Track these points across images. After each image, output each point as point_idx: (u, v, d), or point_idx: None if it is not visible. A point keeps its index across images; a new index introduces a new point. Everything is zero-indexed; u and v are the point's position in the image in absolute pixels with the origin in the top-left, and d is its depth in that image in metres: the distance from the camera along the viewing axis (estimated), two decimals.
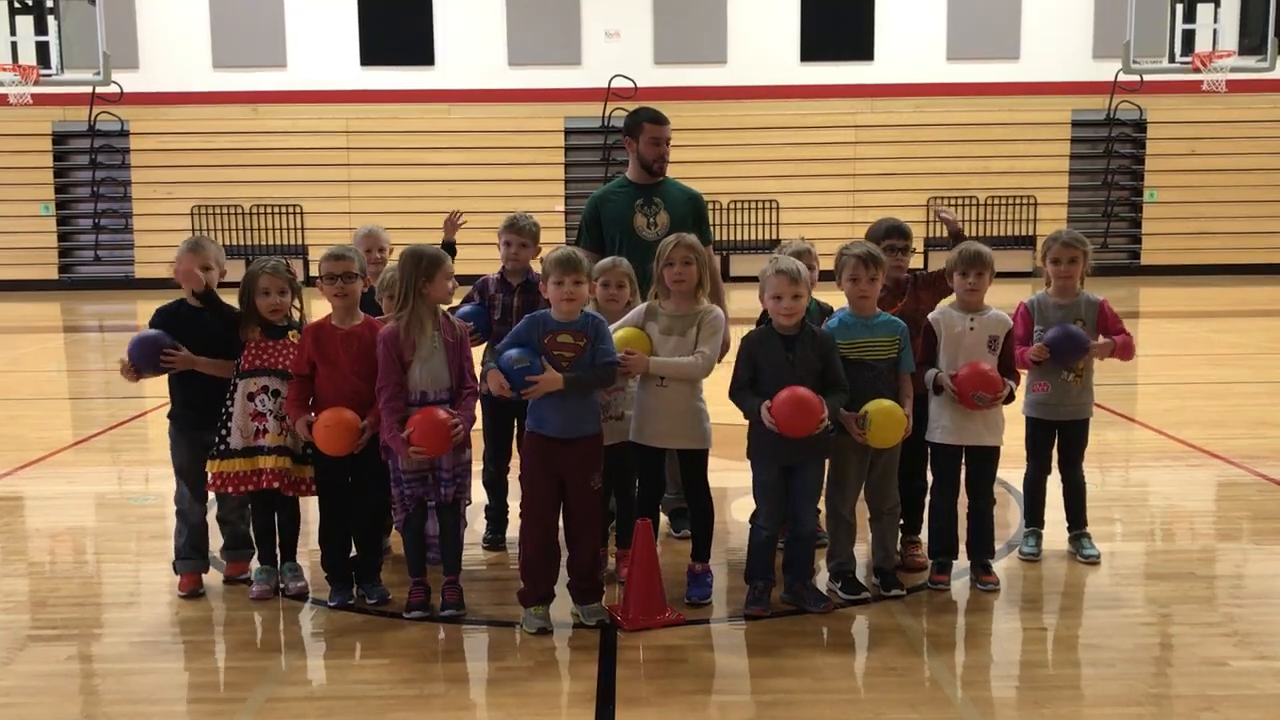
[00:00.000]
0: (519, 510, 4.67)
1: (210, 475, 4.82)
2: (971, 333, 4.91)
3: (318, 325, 4.76)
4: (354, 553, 4.88)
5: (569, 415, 4.47)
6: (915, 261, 5.15)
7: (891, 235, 5.26)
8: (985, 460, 4.98)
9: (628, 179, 5.83)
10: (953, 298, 5.08)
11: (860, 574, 4.88)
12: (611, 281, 4.97)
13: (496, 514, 5.60)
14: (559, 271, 4.48)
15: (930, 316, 5.00)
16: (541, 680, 4.09)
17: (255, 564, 5.03)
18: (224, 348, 4.88)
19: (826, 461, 4.73)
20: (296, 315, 5.00)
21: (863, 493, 4.91)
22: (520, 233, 5.43)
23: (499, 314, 5.38)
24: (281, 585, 4.94)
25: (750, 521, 4.75)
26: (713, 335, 4.74)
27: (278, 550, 4.99)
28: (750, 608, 4.64)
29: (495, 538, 5.56)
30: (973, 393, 4.79)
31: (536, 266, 5.37)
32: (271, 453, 4.77)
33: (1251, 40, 21.01)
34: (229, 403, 4.82)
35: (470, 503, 4.79)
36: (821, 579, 4.90)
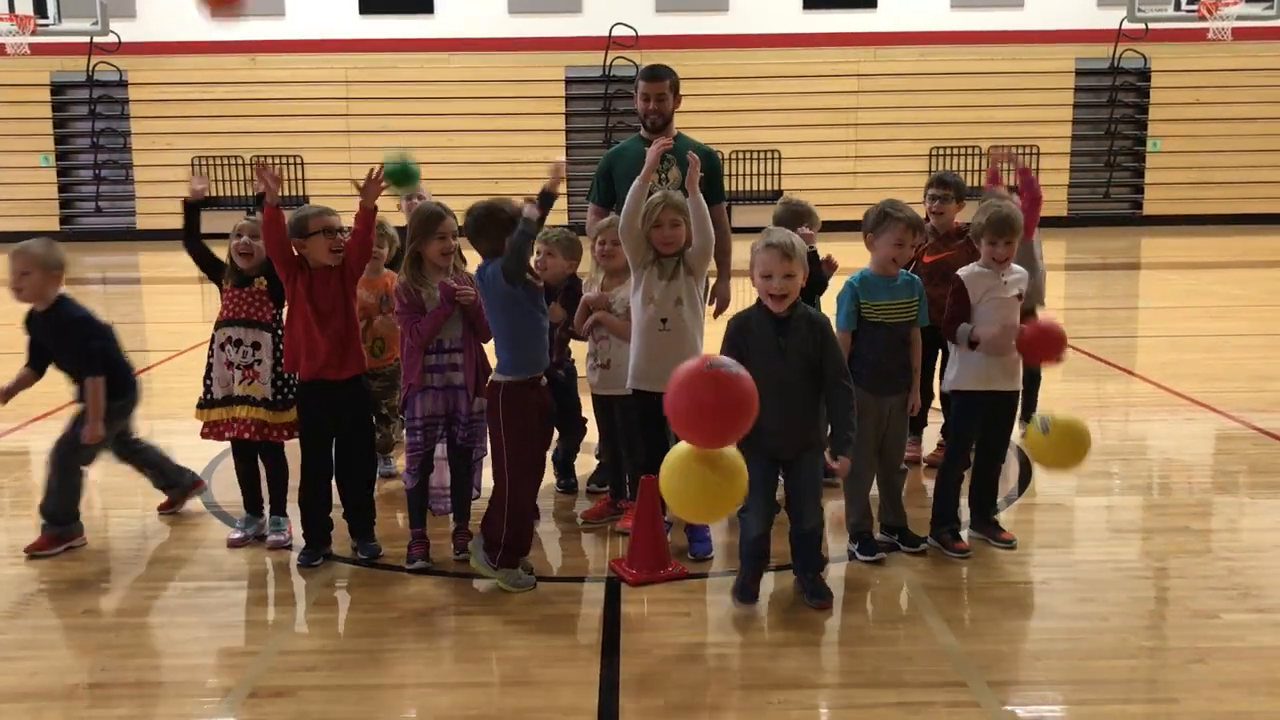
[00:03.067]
0: (500, 465, 4.51)
1: (201, 426, 5.08)
2: (1005, 286, 4.87)
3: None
4: (344, 510, 4.99)
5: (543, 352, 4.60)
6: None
7: (933, 185, 5.62)
8: (1005, 409, 4.96)
9: (641, 135, 5.83)
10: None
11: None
12: (607, 239, 5.02)
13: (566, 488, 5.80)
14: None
15: (961, 275, 4.92)
16: (548, 633, 4.16)
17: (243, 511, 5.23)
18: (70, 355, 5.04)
19: (825, 453, 4.36)
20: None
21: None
22: (552, 245, 5.41)
23: None
24: (262, 534, 5.08)
25: (739, 515, 4.38)
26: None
27: (265, 501, 5.15)
28: (734, 598, 4.37)
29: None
30: (1041, 358, 4.90)
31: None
32: (243, 402, 4.96)
33: None
34: (209, 354, 5.05)
35: (485, 452, 4.85)
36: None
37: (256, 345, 4.99)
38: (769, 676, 3.81)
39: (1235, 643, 4.00)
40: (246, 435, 4.97)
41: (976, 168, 21.99)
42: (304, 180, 21.92)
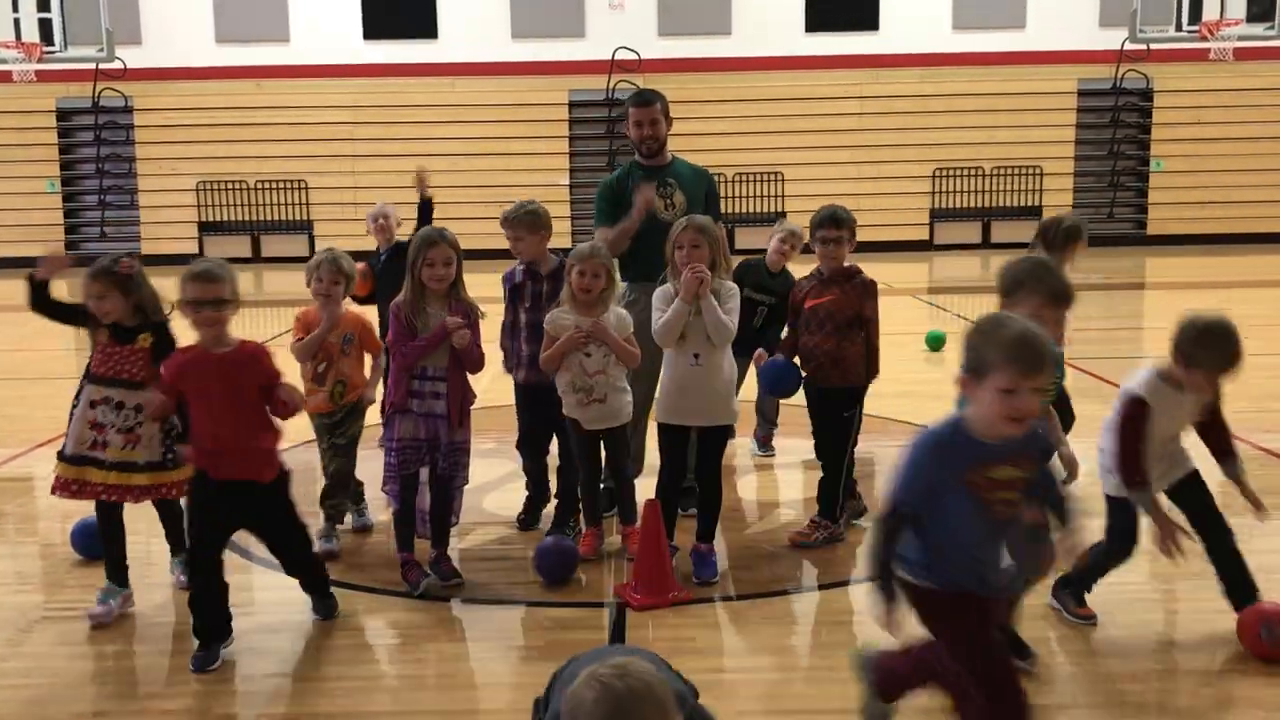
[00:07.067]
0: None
1: (54, 479, 4.54)
2: (1183, 404, 4.25)
3: (184, 353, 4.26)
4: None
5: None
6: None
7: (825, 225, 5.25)
8: (1196, 489, 4.49)
9: (637, 162, 5.80)
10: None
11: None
12: (588, 270, 4.85)
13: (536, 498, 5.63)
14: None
15: (1140, 394, 4.14)
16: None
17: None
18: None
19: None
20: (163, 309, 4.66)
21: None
22: (515, 226, 5.37)
23: (529, 303, 5.33)
24: (175, 579, 4.85)
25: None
26: (731, 298, 4.77)
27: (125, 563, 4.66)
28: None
29: (528, 519, 5.58)
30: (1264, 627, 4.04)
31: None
32: (112, 468, 4.45)
33: (1259, 7, 20.89)
34: (74, 404, 4.55)
35: (466, 482, 4.86)
36: None
37: (139, 408, 4.45)
38: (778, 702, 3.79)
39: (1247, 665, 3.97)
40: (112, 499, 4.48)
41: (980, 189, 22.05)
42: (309, 205, 21.99)
